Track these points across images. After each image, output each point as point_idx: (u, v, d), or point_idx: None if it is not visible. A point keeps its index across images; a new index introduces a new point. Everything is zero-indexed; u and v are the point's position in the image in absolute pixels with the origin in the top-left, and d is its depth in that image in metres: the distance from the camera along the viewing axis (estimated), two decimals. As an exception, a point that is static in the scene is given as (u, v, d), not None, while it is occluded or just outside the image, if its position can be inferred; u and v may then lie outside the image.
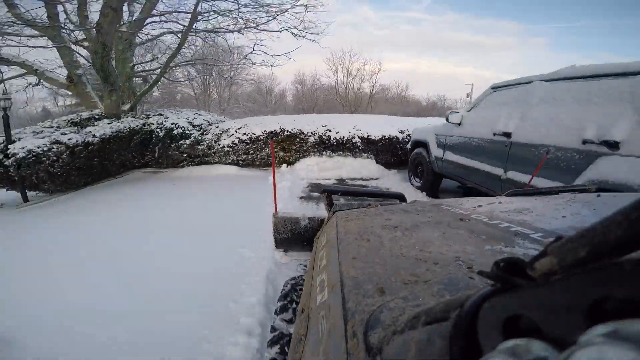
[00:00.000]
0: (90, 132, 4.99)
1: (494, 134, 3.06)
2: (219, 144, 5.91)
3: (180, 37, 6.41)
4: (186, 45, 8.71)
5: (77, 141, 4.61)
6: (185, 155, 5.97)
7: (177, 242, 2.76)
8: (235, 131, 6.00)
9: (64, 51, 6.40)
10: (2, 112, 4.70)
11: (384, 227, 0.75)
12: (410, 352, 0.25)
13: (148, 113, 6.37)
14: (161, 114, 6.20)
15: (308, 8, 6.84)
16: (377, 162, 6.15)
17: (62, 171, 4.52)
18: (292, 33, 8.59)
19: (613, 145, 1.93)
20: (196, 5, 5.76)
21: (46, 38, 6.56)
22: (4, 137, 4.52)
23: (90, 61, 5.82)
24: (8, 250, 2.77)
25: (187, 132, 5.86)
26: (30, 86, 8.53)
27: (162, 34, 7.59)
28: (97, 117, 5.73)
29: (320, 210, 3.61)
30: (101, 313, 1.78)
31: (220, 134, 6.00)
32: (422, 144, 4.79)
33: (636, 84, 1.91)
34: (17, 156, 4.22)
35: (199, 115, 6.44)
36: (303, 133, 5.94)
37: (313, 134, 5.96)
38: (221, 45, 9.34)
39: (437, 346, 0.23)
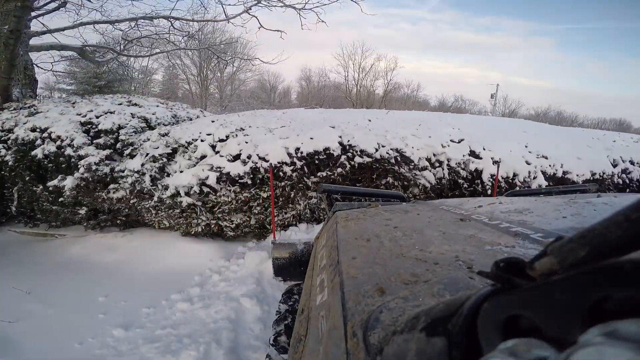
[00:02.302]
0: None
1: None
2: (165, 187, 2.11)
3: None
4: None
5: None
6: (83, 209, 2.19)
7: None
8: (213, 147, 2.22)
9: None
10: None
11: (384, 227, 0.74)
12: (410, 352, 0.25)
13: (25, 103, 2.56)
14: (25, 106, 2.42)
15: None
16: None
17: None
18: (294, 8, 4.94)
19: None
20: None
21: None
22: None
23: None
24: None
25: (68, 150, 2.04)
26: None
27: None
28: None
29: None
30: None
31: (170, 154, 2.21)
32: None
33: None
34: None
35: (126, 106, 2.61)
36: (406, 158, 2.15)
37: (433, 164, 2.18)
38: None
39: (437, 346, 0.22)
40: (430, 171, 2.17)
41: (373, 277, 0.48)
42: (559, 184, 2.43)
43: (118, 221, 2.46)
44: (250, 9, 5.03)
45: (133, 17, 4.84)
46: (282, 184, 2.13)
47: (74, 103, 2.57)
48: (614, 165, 2.71)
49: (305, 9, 5.51)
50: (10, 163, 2.10)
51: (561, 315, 0.16)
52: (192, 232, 2.30)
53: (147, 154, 2.07)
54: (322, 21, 5.79)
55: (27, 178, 2.12)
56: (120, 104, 2.60)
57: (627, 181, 2.76)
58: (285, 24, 5.56)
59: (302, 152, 2.15)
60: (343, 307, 0.42)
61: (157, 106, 2.87)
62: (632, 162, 2.82)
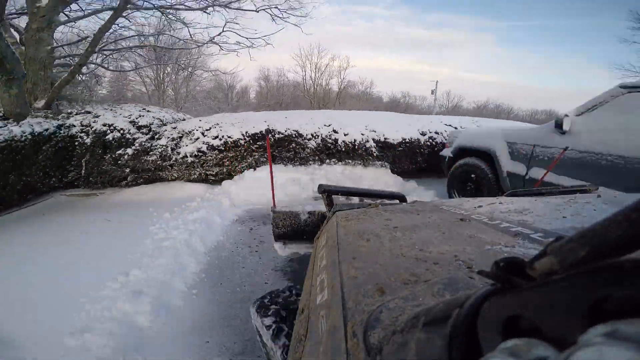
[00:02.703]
0: None
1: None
2: (178, 153, 4.11)
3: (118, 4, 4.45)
4: (131, 24, 6.63)
5: None
6: (127, 170, 4.09)
7: None
8: (202, 133, 4.23)
9: None
10: None
11: (384, 227, 0.75)
12: (410, 352, 0.25)
13: (70, 111, 4.34)
14: (88, 112, 4.23)
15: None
16: (394, 172, 4.77)
17: None
18: (270, 14, 6.90)
19: None
20: None
21: None
22: None
23: None
24: None
25: (128, 136, 3.96)
26: None
27: (97, 11, 5.47)
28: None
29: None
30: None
31: (180, 137, 4.20)
32: (478, 152, 3.51)
33: None
34: None
35: (147, 112, 4.53)
36: (301, 135, 4.35)
37: (314, 137, 4.39)
38: (178, 30, 7.31)
39: (437, 346, 0.22)
40: (312, 141, 4.39)
41: (373, 277, 0.47)
42: (384, 146, 4.75)
43: (142, 179, 4.36)
44: (214, 39, 6.87)
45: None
46: (240, 149, 4.22)
47: (113, 109, 4.42)
48: (422, 135, 5.09)
49: (281, 18, 7.10)
50: (88, 143, 3.95)
51: (561, 315, 0.16)
52: (191, 179, 4.29)
53: (168, 137, 4.04)
54: (299, 26, 7.56)
55: (99, 151, 3.98)
56: (142, 109, 4.50)
57: (433, 143, 5.07)
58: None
59: (248, 133, 4.24)
60: (343, 307, 0.42)
61: (161, 111, 4.78)
62: (437, 132, 5.20)
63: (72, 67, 4.74)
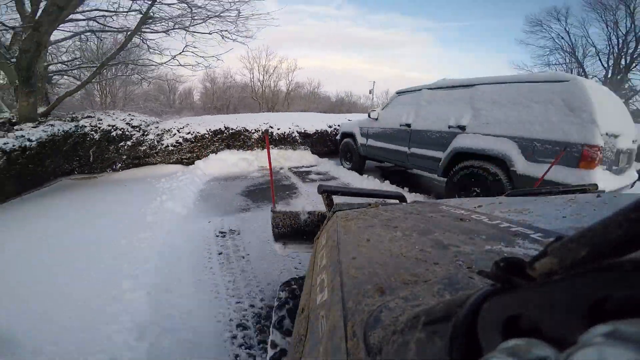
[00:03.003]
0: (24, 136, 4.63)
1: (400, 125, 4.46)
2: (162, 144, 6.08)
3: (126, 37, 6.21)
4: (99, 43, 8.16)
5: (13, 145, 4.28)
6: (124, 157, 5.94)
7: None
8: (178, 131, 6.24)
9: None
10: None
11: (384, 227, 0.75)
12: (410, 352, 0.25)
13: (75, 115, 6.02)
14: (91, 116, 5.96)
15: (240, 14, 7.34)
16: (313, 153, 7.24)
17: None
18: (221, 36, 8.88)
19: (462, 128, 3.40)
20: (149, 7, 5.78)
21: None
22: None
23: (13, 60, 5.21)
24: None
25: (127, 133, 5.83)
26: None
27: (81, 32, 6.98)
28: (12, 121, 5.22)
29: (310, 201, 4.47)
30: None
31: (162, 134, 6.16)
32: (349, 135, 6.10)
33: (473, 92, 3.39)
34: None
35: (134, 116, 6.38)
36: (247, 130, 6.58)
37: (257, 131, 6.66)
38: (137, 44, 8.91)
39: (437, 346, 0.23)
40: (256, 133, 6.67)
41: (373, 277, 0.48)
42: (305, 135, 7.20)
43: (133, 164, 6.20)
44: (175, 57, 8.61)
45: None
46: (205, 141, 6.31)
47: (108, 115, 6.20)
48: (329, 127, 7.64)
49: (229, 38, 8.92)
50: (97, 138, 5.74)
51: (561, 315, 0.16)
52: (171, 162, 6.26)
53: (154, 133, 5.99)
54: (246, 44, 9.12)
55: (105, 144, 5.78)
56: (129, 114, 6.34)
57: (334, 132, 7.64)
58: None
59: (211, 130, 6.36)
60: (343, 307, 0.42)
61: (141, 116, 6.64)
62: (339, 125, 7.76)
63: (80, 83, 6.37)
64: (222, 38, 9.11)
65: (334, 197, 1.23)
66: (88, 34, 6.90)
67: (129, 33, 6.44)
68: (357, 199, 2.57)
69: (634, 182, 3.08)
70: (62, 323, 1.68)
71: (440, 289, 0.40)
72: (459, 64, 65.17)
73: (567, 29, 19.68)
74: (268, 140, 2.23)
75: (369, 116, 5.32)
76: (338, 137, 6.65)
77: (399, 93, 4.89)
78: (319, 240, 0.88)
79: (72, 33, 6.90)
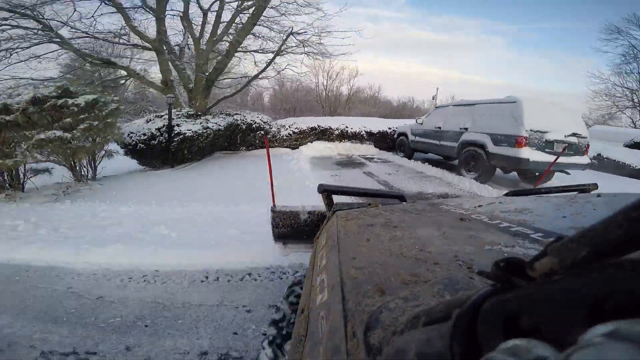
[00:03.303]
0: (217, 123, 8.39)
1: (435, 127, 7.20)
2: (280, 134, 9.56)
3: (273, 55, 9.95)
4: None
5: (214, 128, 8.00)
6: (257, 141, 9.54)
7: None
8: (289, 126, 9.68)
9: (163, 61, 9.61)
10: (167, 105, 7.87)
11: (384, 227, 0.76)
12: (410, 352, 0.25)
13: (229, 112, 9.83)
14: (238, 114, 9.70)
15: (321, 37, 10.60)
16: (375, 147, 10.16)
17: (205, 146, 7.92)
18: (309, 56, 12.30)
19: (466, 129, 6.06)
20: (287, 36, 9.39)
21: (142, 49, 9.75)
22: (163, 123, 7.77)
23: (205, 74, 9.17)
24: (182, 180, 6.12)
25: (261, 126, 9.43)
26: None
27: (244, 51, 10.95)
28: (197, 114, 9.10)
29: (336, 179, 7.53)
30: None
31: (280, 128, 9.64)
32: (403, 134, 8.94)
33: (473, 109, 6.04)
34: (186, 135, 7.51)
35: (258, 115, 9.98)
36: (331, 128, 9.78)
37: (337, 129, 9.82)
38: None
39: (437, 346, 0.23)
40: (336, 131, 9.84)
41: (373, 277, 0.48)
42: (369, 134, 10.16)
43: (261, 146, 9.77)
44: (280, 72, 12.37)
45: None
46: (304, 134, 9.66)
47: (249, 113, 9.91)
48: (389, 129, 10.50)
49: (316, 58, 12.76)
50: (244, 128, 9.43)
51: (561, 315, 0.16)
52: (283, 146, 9.73)
53: (276, 127, 9.54)
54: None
55: (248, 132, 9.44)
56: (257, 115, 9.98)
57: (392, 132, 10.48)
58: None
59: (309, 127, 9.69)
60: (343, 307, 0.43)
61: (260, 115, 10.27)
62: (396, 128, 10.60)
63: (236, 90, 10.28)
64: (307, 55, 12.51)
65: (334, 197, 1.22)
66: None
67: (272, 58, 10.12)
68: (357, 199, 2.62)
69: (585, 165, 5.28)
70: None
71: (440, 289, 0.40)
72: (525, 68, 60.99)
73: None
74: (267, 142, 2.59)
75: (416, 121, 8.09)
76: (395, 135, 9.52)
77: (437, 107, 7.60)
78: (319, 240, 0.88)
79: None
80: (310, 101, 33.79)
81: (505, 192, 1.42)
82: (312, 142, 9.70)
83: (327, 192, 1.20)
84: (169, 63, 9.72)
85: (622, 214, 0.15)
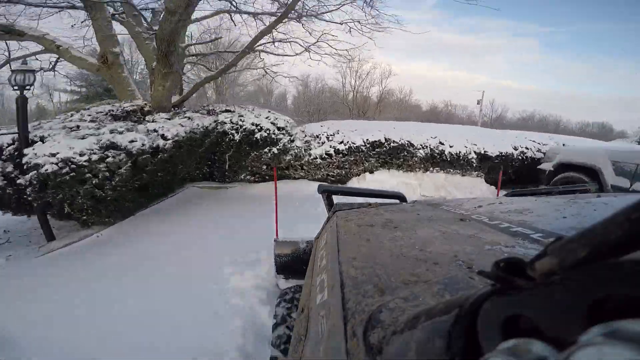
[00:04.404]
0: (157, 131, 3.73)
1: None
2: (310, 154, 4.79)
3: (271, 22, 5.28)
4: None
5: (143, 145, 3.29)
6: (264, 167, 4.81)
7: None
8: (327, 138, 4.91)
9: (101, 23, 5.07)
10: (18, 93, 3.20)
11: (384, 227, 0.75)
12: (410, 352, 0.25)
13: (211, 108, 5.16)
14: (230, 110, 5.00)
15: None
16: (486, 181, 5.22)
17: (115, 194, 3.19)
18: (350, 27, 7.52)
19: None
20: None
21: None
22: (16, 134, 3.08)
23: (155, 28, 4.52)
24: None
25: (272, 136, 4.65)
26: (42, 71, 7.05)
27: (222, 12, 6.34)
28: (145, 110, 4.51)
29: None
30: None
31: (310, 141, 4.89)
32: (577, 167, 3.98)
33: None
34: (43, 170, 2.78)
35: (272, 114, 5.23)
36: (412, 145, 4.92)
37: (423, 147, 4.94)
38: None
39: (437, 346, 0.22)
40: (421, 150, 4.95)
41: (373, 277, 0.48)
42: (483, 158, 5.23)
43: (269, 175, 5.06)
44: (309, 49, 7.63)
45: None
46: (359, 154, 4.86)
47: (254, 110, 5.16)
48: (515, 149, 5.50)
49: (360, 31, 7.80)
50: (236, 139, 4.67)
51: (561, 315, 0.16)
52: (316, 178, 4.95)
53: (302, 139, 4.76)
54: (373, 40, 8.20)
55: (246, 148, 4.71)
56: (268, 111, 5.21)
57: (523, 157, 5.45)
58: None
59: (369, 141, 4.88)
60: (343, 307, 0.42)
61: (276, 114, 5.54)
62: (527, 148, 5.57)
63: (221, 68, 5.59)
64: (349, 31, 7.75)
65: (334, 197, 1.22)
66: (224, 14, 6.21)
67: (272, 20, 5.46)
68: (358, 199, 2.42)
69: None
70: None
71: (440, 289, 0.39)
72: (568, 72, 54.34)
73: None
74: (276, 172, 2.49)
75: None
76: (546, 166, 4.55)
77: None
78: (319, 240, 0.90)
79: (213, 11, 6.29)
80: (336, 103, 30.24)
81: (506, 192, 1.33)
82: (372, 172, 4.90)
83: (327, 192, 1.21)
84: (112, 24, 5.26)
85: (622, 214, 0.15)
